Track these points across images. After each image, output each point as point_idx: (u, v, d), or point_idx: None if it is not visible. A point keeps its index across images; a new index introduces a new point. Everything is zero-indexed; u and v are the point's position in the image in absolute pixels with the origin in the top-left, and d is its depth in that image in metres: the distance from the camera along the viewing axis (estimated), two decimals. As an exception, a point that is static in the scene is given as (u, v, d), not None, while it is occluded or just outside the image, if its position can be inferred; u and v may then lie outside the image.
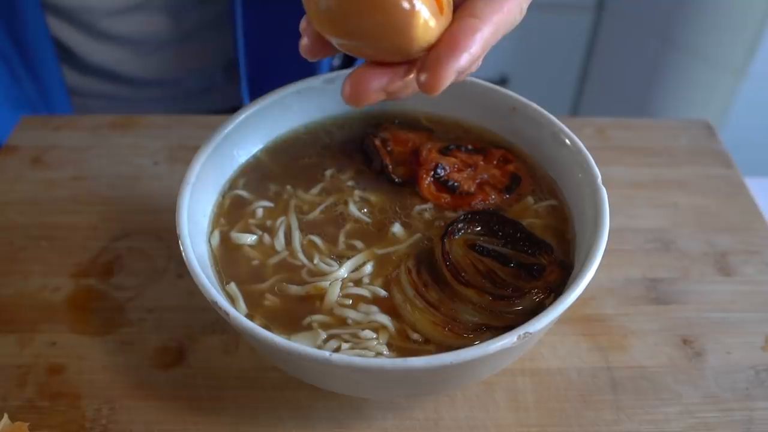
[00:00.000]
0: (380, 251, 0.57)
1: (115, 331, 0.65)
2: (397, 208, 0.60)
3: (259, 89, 0.94)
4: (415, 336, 0.51)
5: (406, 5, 0.41)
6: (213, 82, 1.01)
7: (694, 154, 0.86)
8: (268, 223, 0.59)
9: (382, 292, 0.54)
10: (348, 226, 0.59)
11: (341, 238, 0.58)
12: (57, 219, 0.76)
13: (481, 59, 0.46)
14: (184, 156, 0.82)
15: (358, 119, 0.68)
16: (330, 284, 0.54)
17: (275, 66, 0.93)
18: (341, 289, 0.54)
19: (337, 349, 0.50)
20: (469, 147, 0.64)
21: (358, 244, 0.58)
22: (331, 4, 0.42)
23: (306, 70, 0.95)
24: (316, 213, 0.60)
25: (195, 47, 0.94)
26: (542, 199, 0.61)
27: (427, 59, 0.42)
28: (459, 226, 0.56)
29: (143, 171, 0.80)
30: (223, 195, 0.61)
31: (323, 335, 0.51)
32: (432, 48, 0.43)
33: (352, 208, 0.60)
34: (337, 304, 0.53)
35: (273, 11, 0.87)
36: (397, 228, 0.59)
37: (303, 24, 0.47)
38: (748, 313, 0.69)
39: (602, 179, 0.55)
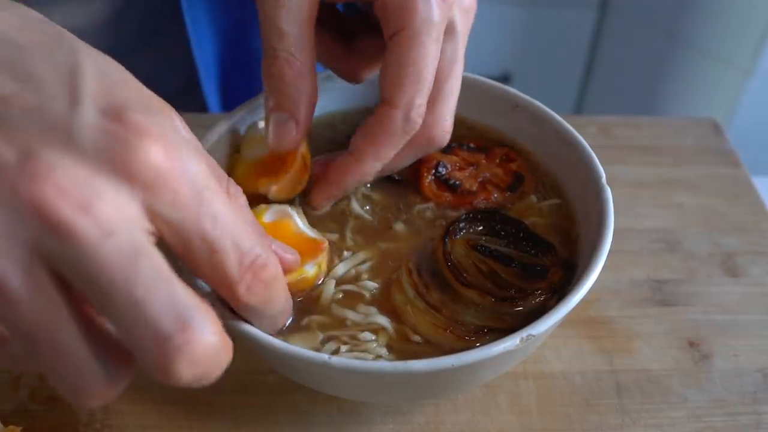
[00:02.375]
0: (381, 250, 0.56)
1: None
2: (400, 206, 0.60)
3: (230, 97, 0.94)
4: (416, 338, 0.51)
5: None
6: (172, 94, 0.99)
7: (701, 153, 0.86)
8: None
9: (371, 284, 0.53)
10: (351, 224, 0.58)
11: (348, 235, 0.57)
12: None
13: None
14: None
15: (361, 114, 0.67)
16: (324, 283, 0.53)
17: (242, 71, 0.93)
18: (336, 285, 0.54)
19: (336, 352, 0.50)
20: (471, 145, 0.63)
21: (359, 241, 0.57)
22: None
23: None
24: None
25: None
26: (546, 197, 0.60)
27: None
28: (460, 225, 0.56)
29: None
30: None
31: (321, 336, 0.50)
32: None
33: (355, 206, 0.59)
34: (333, 302, 0.52)
35: (223, 18, 0.86)
36: (398, 227, 0.58)
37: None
38: (756, 315, 0.68)
39: (607, 178, 0.55)
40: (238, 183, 0.52)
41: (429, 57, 0.48)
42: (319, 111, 0.66)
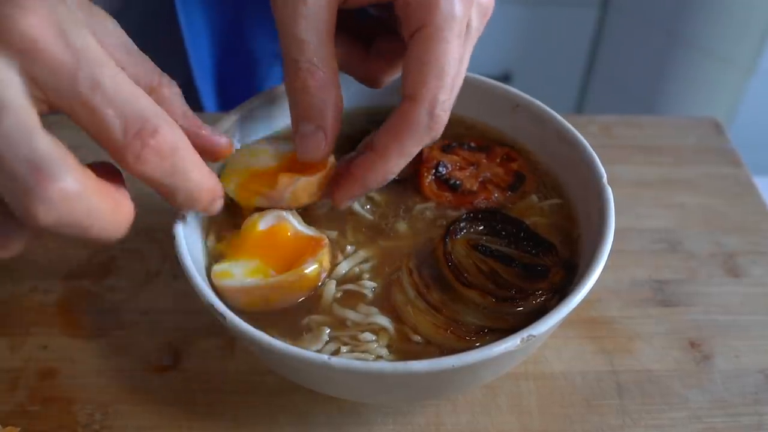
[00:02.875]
0: (382, 250, 0.56)
1: (108, 334, 0.64)
2: (400, 206, 0.60)
3: (228, 97, 0.93)
4: (416, 338, 0.51)
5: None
6: None
7: (702, 153, 0.86)
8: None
9: (372, 284, 0.53)
10: (352, 223, 0.58)
11: (349, 234, 0.57)
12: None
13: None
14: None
15: (361, 114, 0.67)
16: (325, 284, 0.53)
17: (238, 72, 0.93)
18: (337, 285, 0.53)
19: (336, 352, 0.50)
20: (472, 145, 0.63)
21: (360, 240, 0.57)
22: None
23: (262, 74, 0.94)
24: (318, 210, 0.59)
25: None
26: (546, 197, 0.60)
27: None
28: (461, 225, 0.56)
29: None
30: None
31: (321, 337, 0.50)
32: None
33: (356, 205, 0.59)
34: (335, 302, 0.52)
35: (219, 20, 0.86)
36: (399, 226, 0.58)
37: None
38: (757, 316, 0.68)
39: (608, 178, 0.55)
40: (233, 189, 0.55)
41: (452, 52, 0.48)
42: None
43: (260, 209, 0.55)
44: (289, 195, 0.54)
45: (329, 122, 0.51)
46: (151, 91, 0.46)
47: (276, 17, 0.49)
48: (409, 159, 0.52)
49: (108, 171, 0.43)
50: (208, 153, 0.48)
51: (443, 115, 0.49)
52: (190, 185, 0.44)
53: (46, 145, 0.36)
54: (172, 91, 0.47)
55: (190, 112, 0.48)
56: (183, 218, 0.52)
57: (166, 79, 0.47)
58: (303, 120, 0.51)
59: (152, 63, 0.47)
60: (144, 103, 0.40)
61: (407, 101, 0.49)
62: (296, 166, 0.55)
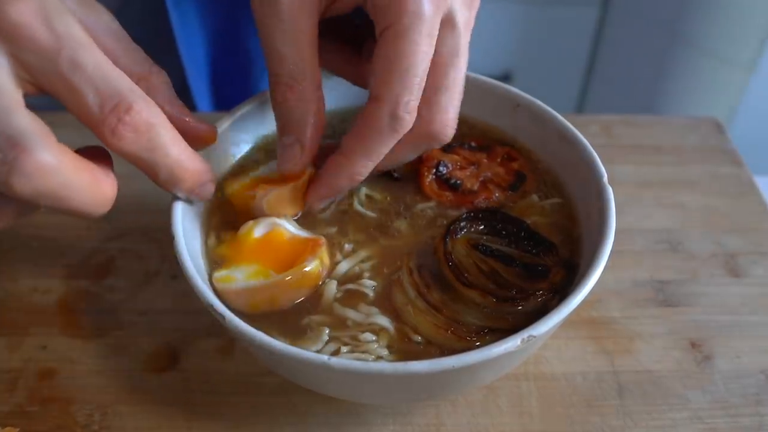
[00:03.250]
0: (382, 249, 0.56)
1: (107, 334, 0.64)
2: (401, 205, 0.60)
3: (223, 98, 0.93)
4: (417, 338, 0.50)
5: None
6: None
7: (703, 153, 0.85)
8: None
9: (372, 283, 0.53)
10: (352, 222, 0.58)
11: (350, 233, 0.57)
12: (47, 218, 0.74)
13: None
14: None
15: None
16: (325, 283, 0.53)
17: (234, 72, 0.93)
18: (338, 284, 0.53)
19: (336, 352, 0.49)
20: (472, 144, 0.63)
21: (361, 239, 0.57)
22: None
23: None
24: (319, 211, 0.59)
25: None
26: (547, 196, 0.60)
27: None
28: (461, 225, 0.55)
29: (136, 170, 0.77)
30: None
31: (322, 337, 0.50)
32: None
33: (357, 204, 0.59)
34: (335, 302, 0.52)
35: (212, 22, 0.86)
36: (399, 226, 0.58)
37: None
38: (759, 316, 0.68)
39: (608, 178, 0.54)
40: (235, 194, 0.56)
41: (418, 53, 0.47)
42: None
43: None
44: (265, 205, 0.55)
45: (307, 135, 0.52)
46: (140, 79, 0.47)
47: (258, 31, 0.50)
48: (377, 160, 0.52)
49: (97, 153, 0.45)
50: (191, 139, 0.49)
51: (407, 117, 0.49)
52: (170, 161, 0.45)
53: (26, 122, 0.39)
54: (160, 79, 0.49)
55: (176, 99, 0.50)
56: (181, 218, 0.52)
57: (156, 68, 0.49)
58: (283, 132, 0.52)
59: (143, 53, 0.49)
60: (121, 82, 0.42)
61: (372, 102, 0.49)
62: (280, 178, 0.56)
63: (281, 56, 0.49)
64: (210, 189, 0.50)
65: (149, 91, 0.45)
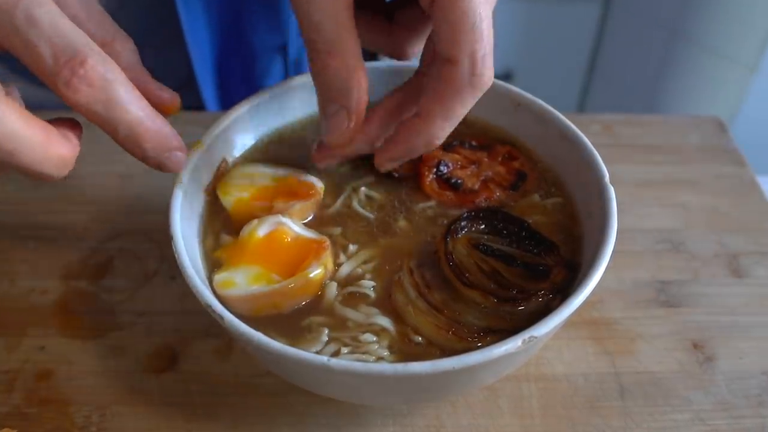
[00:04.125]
0: (383, 249, 0.56)
1: (105, 335, 0.64)
2: (401, 205, 0.59)
3: (228, 92, 0.93)
4: (417, 339, 0.50)
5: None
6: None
7: (705, 152, 0.85)
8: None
9: (373, 284, 0.53)
10: (353, 222, 0.58)
11: (350, 233, 0.57)
12: (46, 219, 0.74)
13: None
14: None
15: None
16: (326, 285, 0.53)
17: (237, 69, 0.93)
18: (340, 286, 0.53)
19: (336, 353, 0.49)
20: (473, 143, 0.63)
21: (362, 239, 0.57)
22: None
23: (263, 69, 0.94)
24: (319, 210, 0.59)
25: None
26: (548, 196, 0.59)
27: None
28: (462, 224, 0.55)
29: (135, 170, 0.78)
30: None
31: (322, 338, 0.50)
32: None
33: (356, 204, 0.59)
34: (336, 302, 0.52)
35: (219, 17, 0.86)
36: (400, 225, 0.57)
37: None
38: (761, 317, 0.67)
39: (610, 178, 0.54)
40: (231, 202, 0.57)
41: (479, 7, 0.46)
42: (311, 110, 0.65)
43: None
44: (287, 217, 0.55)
45: (353, 101, 0.50)
46: (103, 45, 0.47)
47: (292, 2, 0.48)
48: (455, 123, 0.50)
49: (67, 122, 0.45)
50: (153, 106, 0.48)
51: (487, 72, 0.48)
52: (129, 117, 0.44)
53: None
54: (124, 46, 0.50)
55: (139, 65, 0.50)
56: (180, 218, 0.52)
57: (121, 34, 0.50)
58: (326, 101, 0.51)
59: (110, 19, 0.50)
60: (77, 37, 0.42)
61: (446, 64, 0.48)
62: (290, 190, 0.56)
63: (317, 24, 0.47)
64: (180, 158, 0.49)
65: (111, 56, 0.44)
